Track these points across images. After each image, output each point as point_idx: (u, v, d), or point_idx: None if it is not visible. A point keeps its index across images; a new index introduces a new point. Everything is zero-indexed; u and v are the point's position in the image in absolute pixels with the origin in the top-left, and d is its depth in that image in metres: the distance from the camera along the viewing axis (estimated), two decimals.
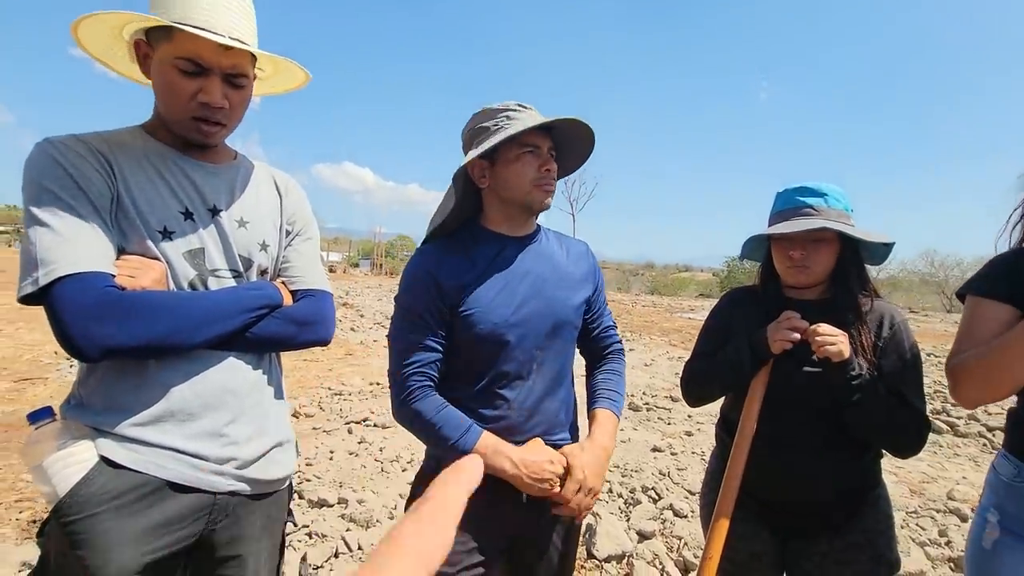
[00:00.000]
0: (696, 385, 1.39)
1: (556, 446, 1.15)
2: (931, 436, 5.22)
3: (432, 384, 1.10)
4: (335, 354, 7.11)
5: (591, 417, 1.22)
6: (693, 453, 3.96)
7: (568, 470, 1.08)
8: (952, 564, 2.53)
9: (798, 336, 1.19)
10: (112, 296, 0.82)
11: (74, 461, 0.84)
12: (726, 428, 1.40)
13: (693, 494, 3.19)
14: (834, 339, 1.14)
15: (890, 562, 1.23)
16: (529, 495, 1.08)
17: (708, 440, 4.25)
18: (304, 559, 2.25)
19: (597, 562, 2.42)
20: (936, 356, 8.55)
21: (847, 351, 1.14)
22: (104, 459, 0.86)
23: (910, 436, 1.17)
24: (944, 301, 26.64)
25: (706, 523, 1.37)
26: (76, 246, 0.82)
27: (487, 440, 1.06)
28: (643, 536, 2.64)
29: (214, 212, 0.99)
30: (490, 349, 1.10)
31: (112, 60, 1.02)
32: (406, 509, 1.20)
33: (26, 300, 0.81)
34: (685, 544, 2.59)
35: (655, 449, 3.99)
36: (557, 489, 1.07)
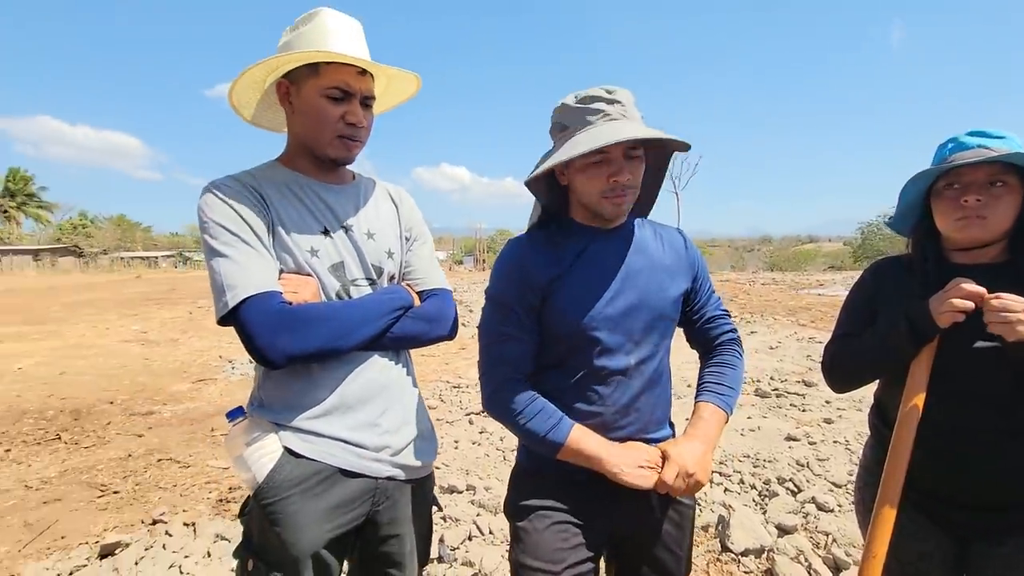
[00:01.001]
0: (842, 370, 1.24)
1: (654, 444, 1.10)
2: None
3: (522, 376, 1.08)
4: (450, 348, 7.48)
5: (695, 411, 1.13)
6: (835, 442, 3.60)
7: (665, 457, 1.03)
8: None
9: (971, 305, 1.00)
10: (287, 311, 0.95)
11: (266, 452, 0.99)
12: (881, 416, 1.25)
13: (839, 487, 2.90)
14: (1018, 312, 0.96)
15: None
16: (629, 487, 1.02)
17: (852, 428, 3.84)
18: (442, 540, 2.40)
19: (733, 555, 2.30)
20: None
21: None
22: (288, 450, 1.00)
23: None
24: None
25: (863, 519, 1.23)
26: (251, 271, 0.96)
27: (578, 432, 1.03)
28: (783, 530, 2.46)
29: (347, 229, 1.11)
30: (581, 344, 1.07)
31: (245, 108, 1.18)
32: (505, 512, 1.19)
33: (222, 321, 0.96)
34: (834, 541, 2.37)
35: (790, 438, 3.69)
36: (655, 477, 1.01)
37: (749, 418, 4.21)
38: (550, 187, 1.13)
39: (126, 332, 9.22)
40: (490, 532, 2.52)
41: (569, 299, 1.07)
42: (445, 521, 2.65)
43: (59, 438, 4.06)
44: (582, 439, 1.03)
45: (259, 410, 1.05)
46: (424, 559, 1.22)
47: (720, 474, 3.14)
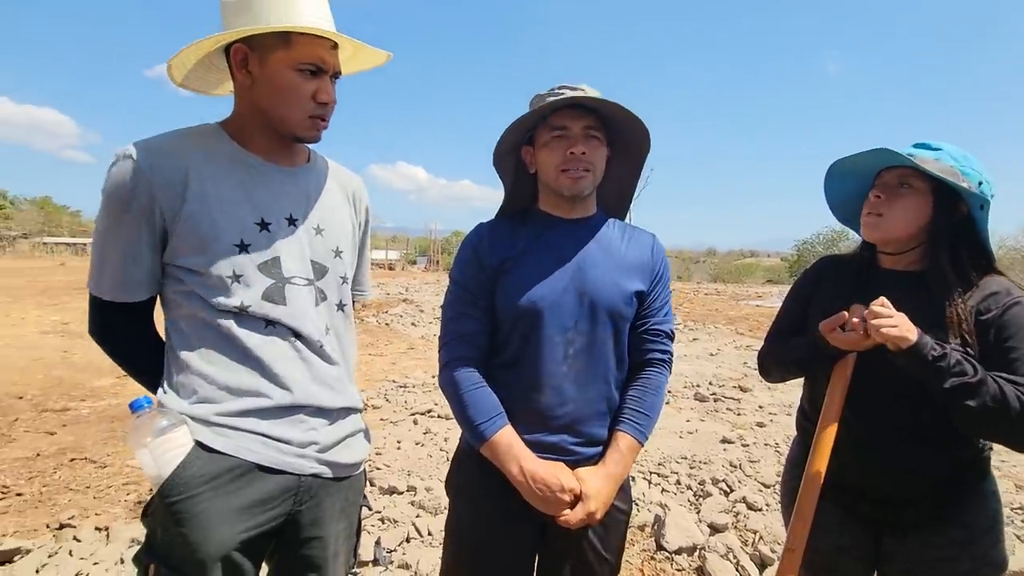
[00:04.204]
0: (770, 370, 1.32)
1: (586, 441, 1.11)
2: None
3: (474, 357, 1.11)
4: (398, 348, 7.35)
5: (611, 440, 1.12)
6: (766, 445, 3.78)
7: (582, 497, 1.04)
8: None
9: (854, 330, 1.06)
10: (108, 329, 1.03)
11: (173, 446, 0.90)
12: (807, 416, 1.31)
13: (768, 487, 3.04)
14: (891, 321, 1.00)
15: (996, 562, 1.10)
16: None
17: (782, 431, 4.04)
18: (378, 543, 2.33)
19: (667, 554, 2.35)
20: None
21: (911, 334, 0.99)
22: (199, 444, 0.92)
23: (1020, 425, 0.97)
24: None
25: (787, 515, 1.29)
26: (105, 271, 0.95)
27: (506, 436, 1.05)
28: (715, 529, 2.55)
29: (291, 221, 1.02)
30: (523, 327, 1.09)
31: (186, 77, 1.04)
32: (446, 491, 1.21)
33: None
34: (761, 538, 2.48)
35: (725, 440, 3.84)
36: (564, 514, 1.03)
37: (688, 421, 4.35)
38: (518, 177, 1.17)
39: (44, 323, 8.50)
40: (429, 534, 2.48)
41: (516, 281, 1.10)
42: (383, 523, 2.59)
43: None
44: (505, 446, 1.04)
45: (170, 399, 0.96)
46: (351, 563, 1.15)
47: (658, 475, 3.22)
